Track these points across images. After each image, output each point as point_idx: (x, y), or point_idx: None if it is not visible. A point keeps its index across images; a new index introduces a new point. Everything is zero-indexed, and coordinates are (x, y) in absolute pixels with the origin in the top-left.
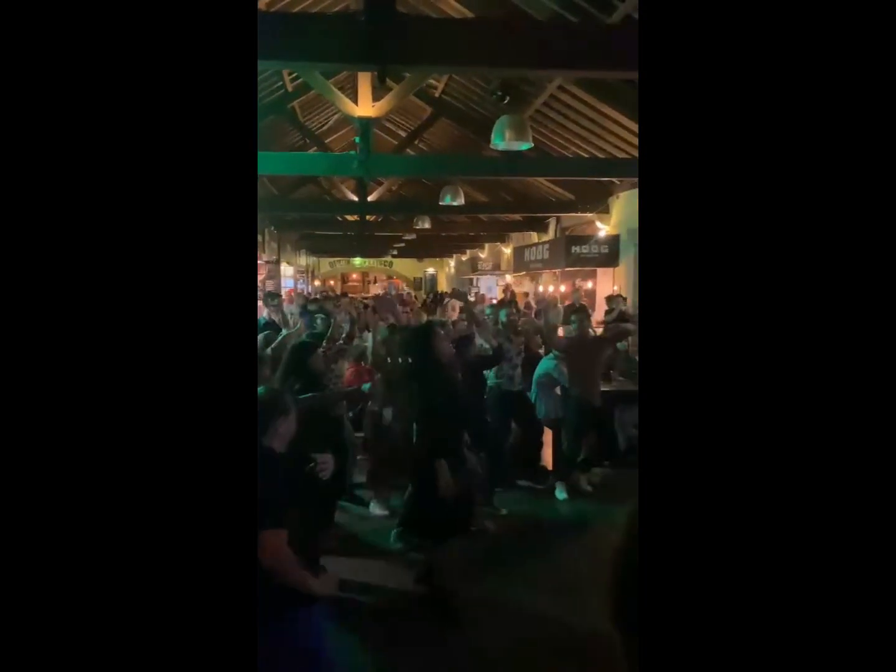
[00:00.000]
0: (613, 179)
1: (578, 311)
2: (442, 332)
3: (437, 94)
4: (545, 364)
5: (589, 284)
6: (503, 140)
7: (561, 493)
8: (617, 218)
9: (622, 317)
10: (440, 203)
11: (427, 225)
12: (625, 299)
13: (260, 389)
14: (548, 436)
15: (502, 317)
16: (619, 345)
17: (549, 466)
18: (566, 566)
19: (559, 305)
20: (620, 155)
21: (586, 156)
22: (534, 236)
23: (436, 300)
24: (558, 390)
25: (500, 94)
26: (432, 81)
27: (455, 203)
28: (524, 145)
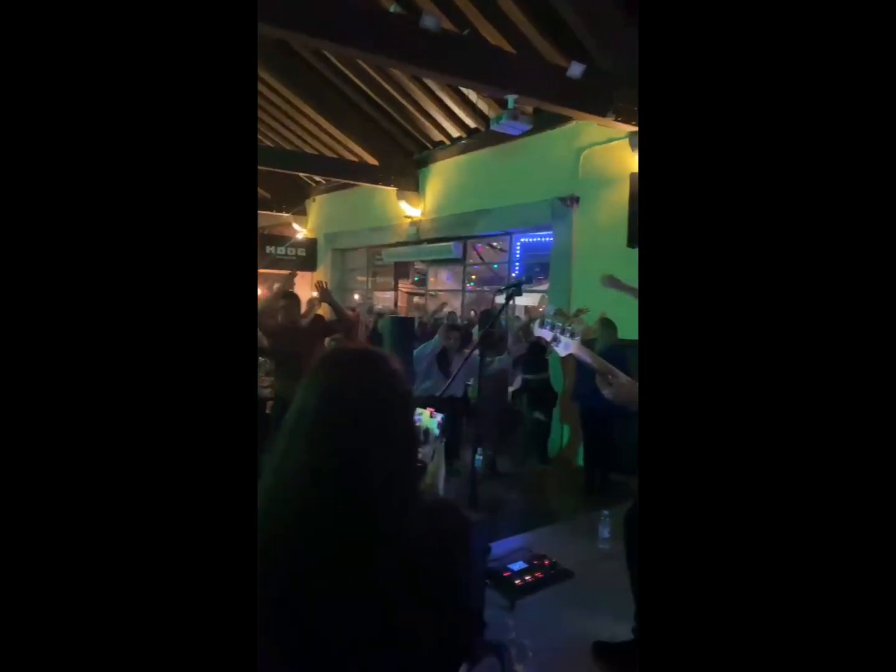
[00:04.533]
0: (310, 181)
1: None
2: None
3: None
4: None
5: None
6: None
7: None
8: (314, 221)
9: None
10: None
11: None
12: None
13: None
14: None
15: None
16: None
17: None
18: None
19: None
20: (308, 150)
21: (271, 145)
22: None
23: None
24: None
25: None
26: None
27: None
28: None
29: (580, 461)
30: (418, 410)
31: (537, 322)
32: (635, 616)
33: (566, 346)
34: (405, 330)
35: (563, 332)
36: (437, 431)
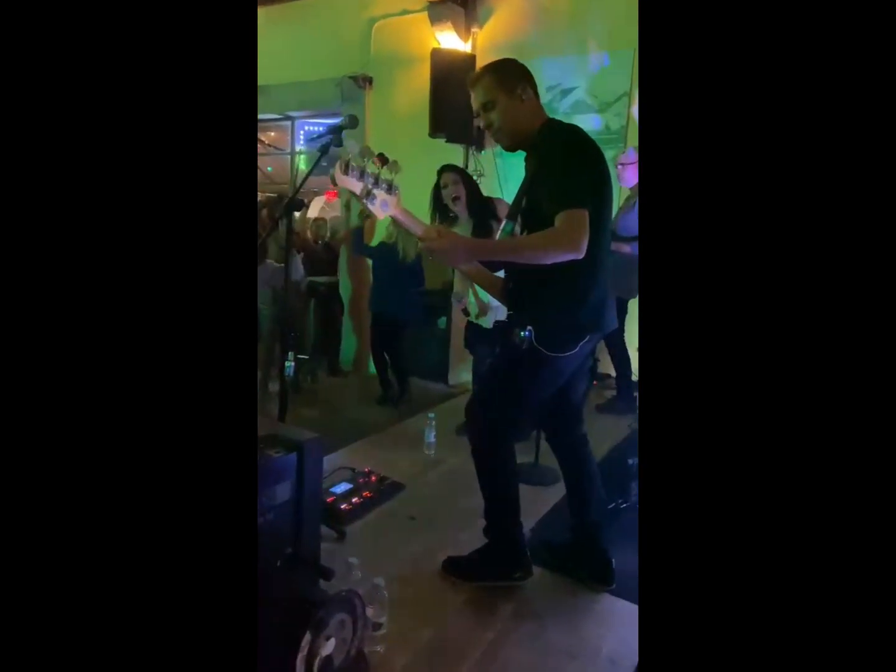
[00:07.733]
0: None
1: None
2: None
3: None
4: None
5: None
6: None
7: None
8: None
9: None
10: None
11: None
12: None
13: None
14: None
15: None
16: None
17: None
18: None
19: None
20: None
21: None
22: None
23: None
24: None
25: None
26: None
27: None
28: None
29: (372, 369)
30: None
31: (338, 166)
32: (484, 514)
33: (384, 205)
34: None
35: (377, 184)
36: None
